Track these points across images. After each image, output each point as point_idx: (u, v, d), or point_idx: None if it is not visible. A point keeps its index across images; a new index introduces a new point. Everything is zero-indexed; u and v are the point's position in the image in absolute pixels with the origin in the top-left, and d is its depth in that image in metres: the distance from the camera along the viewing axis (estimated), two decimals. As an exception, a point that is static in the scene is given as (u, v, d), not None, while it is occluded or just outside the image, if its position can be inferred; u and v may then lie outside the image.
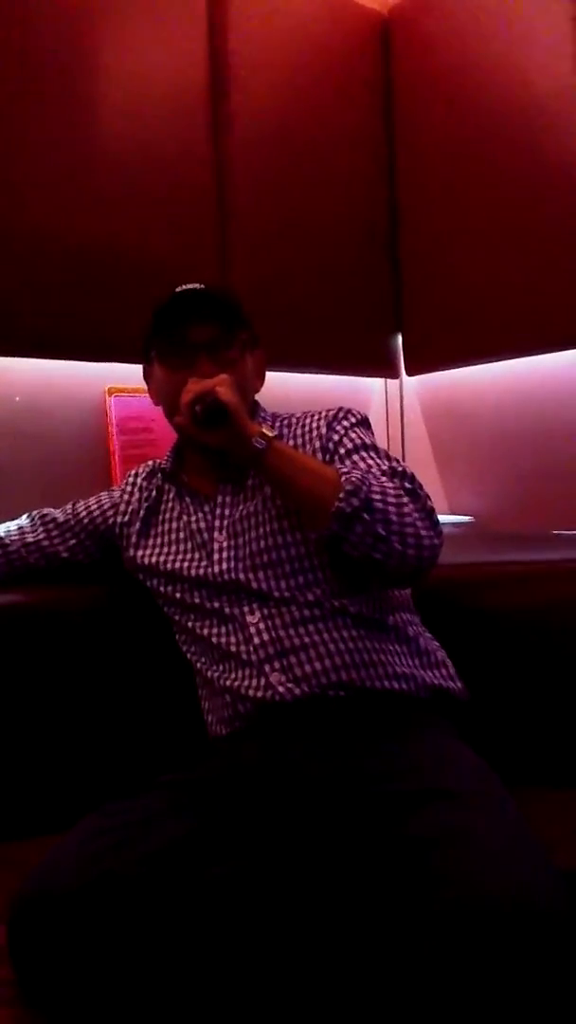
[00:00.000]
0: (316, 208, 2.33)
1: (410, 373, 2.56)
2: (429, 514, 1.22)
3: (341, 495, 1.17)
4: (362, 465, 1.28)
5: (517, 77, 2.12)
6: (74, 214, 1.91)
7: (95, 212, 1.94)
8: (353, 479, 1.19)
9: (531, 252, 2.11)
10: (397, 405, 2.68)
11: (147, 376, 1.46)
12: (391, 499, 1.19)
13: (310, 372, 2.42)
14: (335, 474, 1.22)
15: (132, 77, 2.01)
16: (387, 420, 2.66)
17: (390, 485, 1.21)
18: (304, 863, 1.01)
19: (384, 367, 2.58)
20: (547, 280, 2.08)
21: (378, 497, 1.18)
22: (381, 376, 2.64)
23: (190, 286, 1.35)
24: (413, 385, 2.65)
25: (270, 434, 1.23)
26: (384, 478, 1.23)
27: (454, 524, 2.35)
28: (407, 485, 1.23)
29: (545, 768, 1.40)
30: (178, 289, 1.35)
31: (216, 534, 1.36)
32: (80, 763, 1.40)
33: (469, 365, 2.41)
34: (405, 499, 1.20)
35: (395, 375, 2.61)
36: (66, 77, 1.90)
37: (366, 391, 2.66)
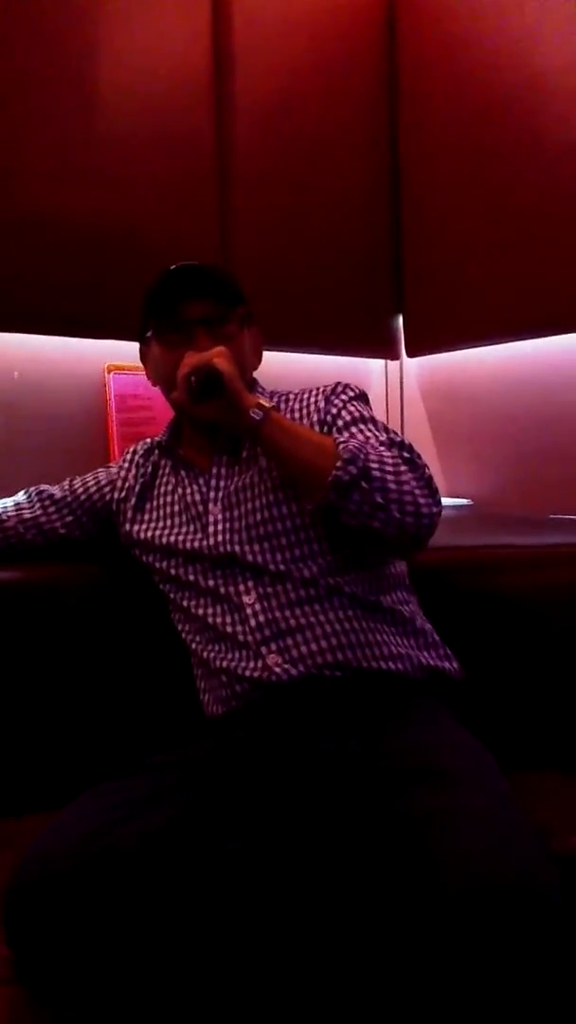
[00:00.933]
0: (318, 189, 2.32)
1: (410, 354, 2.56)
2: (428, 483, 1.22)
3: (339, 463, 1.17)
4: (359, 436, 1.28)
5: (522, 59, 2.10)
6: (75, 193, 1.90)
7: (96, 191, 1.93)
8: (351, 447, 1.19)
9: (533, 235, 2.10)
10: (397, 386, 2.67)
11: (144, 356, 1.45)
12: (389, 467, 1.19)
13: (310, 352, 2.41)
14: (332, 443, 1.22)
15: (135, 57, 2.00)
16: (387, 401, 2.66)
17: (388, 454, 1.21)
18: (302, 841, 1.02)
19: (384, 348, 2.57)
20: (548, 263, 2.07)
21: (375, 466, 1.18)
22: (381, 357, 2.63)
23: (185, 263, 1.35)
24: (413, 367, 2.64)
25: (267, 405, 1.23)
26: (382, 448, 1.23)
27: (452, 507, 2.35)
28: (405, 454, 1.23)
29: (541, 751, 1.41)
30: (172, 267, 1.35)
31: (211, 506, 1.35)
32: (75, 741, 1.41)
33: (470, 347, 2.40)
34: (403, 467, 1.20)
35: (395, 356, 2.60)
36: (69, 57, 1.89)
37: (366, 372, 2.65)
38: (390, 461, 1.20)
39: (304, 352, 2.39)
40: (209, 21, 2.12)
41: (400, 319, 2.54)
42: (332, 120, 2.34)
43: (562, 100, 2.01)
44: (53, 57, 1.87)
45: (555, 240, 2.05)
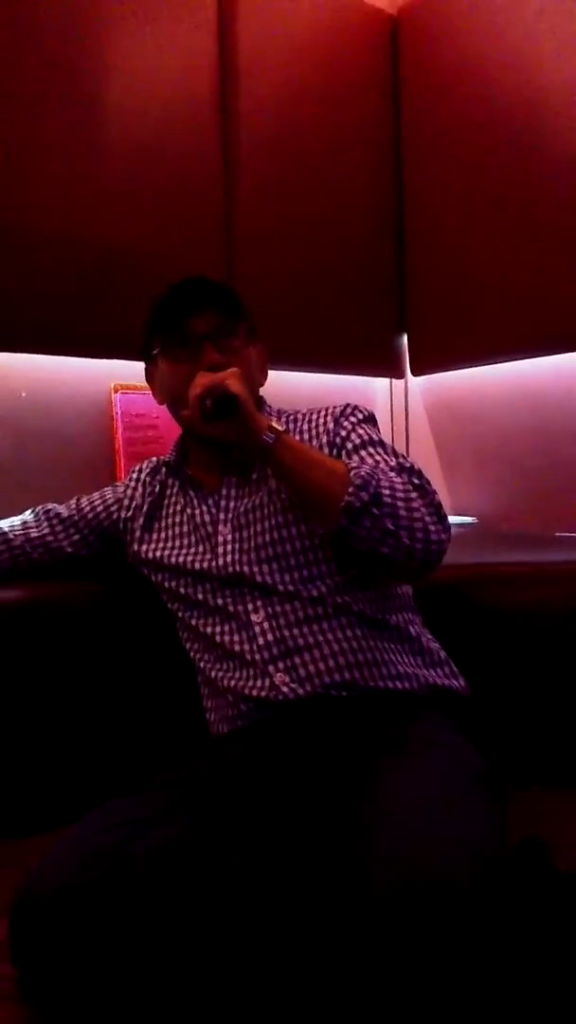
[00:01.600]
0: (323, 207, 2.33)
1: (415, 373, 2.56)
2: (437, 509, 1.23)
3: (351, 489, 1.18)
4: (370, 461, 1.28)
5: (525, 77, 2.11)
6: (81, 211, 1.91)
7: (102, 209, 1.94)
8: (362, 473, 1.19)
9: (538, 252, 2.11)
10: (402, 405, 2.68)
11: (149, 375, 1.46)
12: (400, 494, 1.20)
13: (315, 371, 2.42)
14: (344, 468, 1.22)
15: (141, 75, 2.01)
16: (392, 420, 2.66)
17: (398, 480, 1.22)
18: (307, 859, 1.01)
19: (389, 367, 2.57)
20: (554, 281, 2.08)
21: (387, 492, 1.19)
22: (386, 376, 2.64)
23: (187, 277, 1.36)
24: (418, 385, 2.65)
25: (279, 428, 1.23)
26: (392, 473, 1.23)
27: (457, 525, 2.34)
28: (415, 480, 1.24)
29: (547, 767, 1.40)
30: (176, 283, 1.36)
31: (220, 527, 1.36)
32: (81, 760, 1.41)
33: (475, 366, 2.41)
34: (413, 494, 1.21)
35: (400, 375, 2.60)
36: (75, 75, 1.90)
37: (371, 391, 2.66)
38: (400, 487, 1.21)
39: (309, 371, 2.39)
40: (215, 39, 2.13)
41: (405, 338, 2.55)
42: (337, 138, 2.36)
43: (566, 117, 2.02)
44: (60, 76, 1.88)
45: (560, 258, 2.06)
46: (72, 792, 1.26)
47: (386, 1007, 0.83)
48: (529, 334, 2.17)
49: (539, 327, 2.14)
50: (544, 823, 1.04)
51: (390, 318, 2.52)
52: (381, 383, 2.67)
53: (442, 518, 1.23)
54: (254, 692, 1.25)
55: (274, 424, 1.23)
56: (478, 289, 2.27)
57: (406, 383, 2.66)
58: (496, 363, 2.34)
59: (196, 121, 2.11)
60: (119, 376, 2.07)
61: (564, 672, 1.46)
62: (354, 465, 1.23)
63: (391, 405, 2.68)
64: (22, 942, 0.97)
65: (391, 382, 2.68)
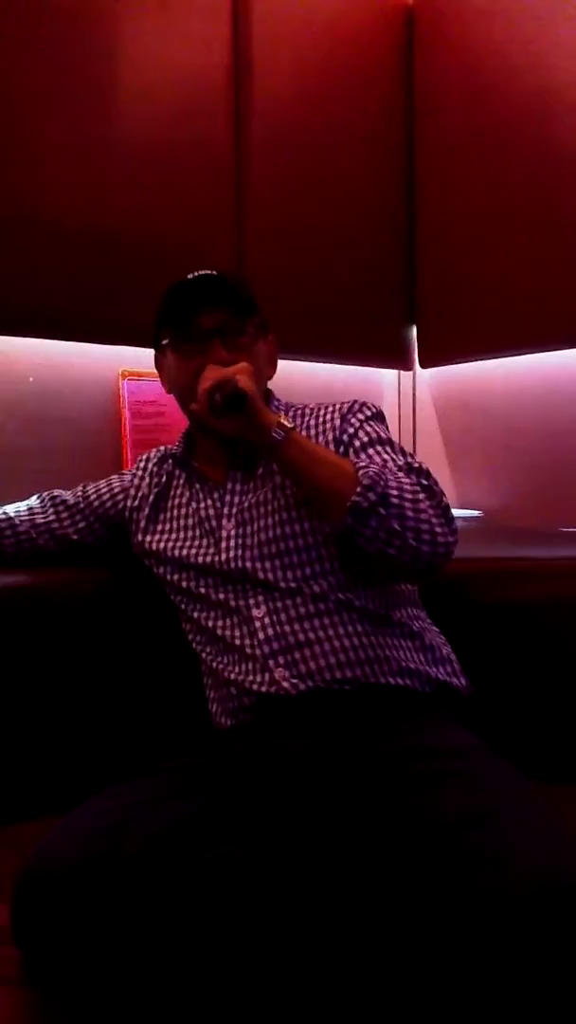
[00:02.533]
0: (334, 198, 2.33)
1: (424, 365, 2.56)
2: (445, 511, 1.23)
3: (358, 489, 1.17)
4: (378, 460, 1.27)
5: (539, 70, 2.10)
6: (91, 198, 1.91)
7: (112, 197, 1.94)
8: (371, 473, 1.19)
9: (548, 247, 2.10)
10: (410, 397, 2.67)
11: (159, 364, 1.45)
12: (407, 495, 1.19)
13: (324, 362, 2.42)
14: (352, 467, 1.22)
15: (154, 64, 2.01)
16: (399, 412, 2.66)
17: (407, 481, 1.21)
18: (308, 847, 1.02)
19: (398, 359, 2.57)
20: (563, 275, 2.07)
21: (395, 492, 1.18)
22: (394, 368, 2.63)
23: (201, 272, 1.35)
24: (426, 378, 2.65)
25: (288, 424, 1.23)
26: (401, 474, 1.23)
27: (463, 519, 2.34)
28: (423, 481, 1.23)
29: (552, 765, 1.40)
30: (189, 276, 1.35)
31: (224, 521, 1.35)
32: (83, 747, 1.41)
33: (483, 359, 2.40)
34: (421, 495, 1.21)
35: (409, 367, 2.60)
36: (87, 64, 1.90)
37: (379, 382, 2.65)
38: (408, 488, 1.20)
39: (318, 361, 2.39)
40: (229, 29, 2.12)
41: (414, 329, 2.55)
42: (349, 130, 2.35)
43: (578, 113, 2.02)
44: (72, 65, 1.88)
45: (570, 253, 2.05)
46: (73, 779, 1.27)
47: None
48: (538, 328, 2.17)
49: (548, 321, 2.13)
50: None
51: (399, 310, 2.52)
52: (389, 375, 2.67)
53: (449, 520, 1.23)
54: (255, 687, 1.25)
55: (283, 421, 1.23)
56: (488, 282, 2.27)
57: (414, 375, 2.65)
58: (505, 357, 2.34)
59: (208, 111, 2.10)
60: (127, 362, 2.07)
61: (569, 667, 1.45)
62: (362, 464, 1.23)
63: (399, 397, 2.68)
64: (24, 924, 0.97)
65: (399, 374, 2.67)
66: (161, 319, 1.39)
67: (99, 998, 0.95)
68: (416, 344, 2.55)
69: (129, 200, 1.96)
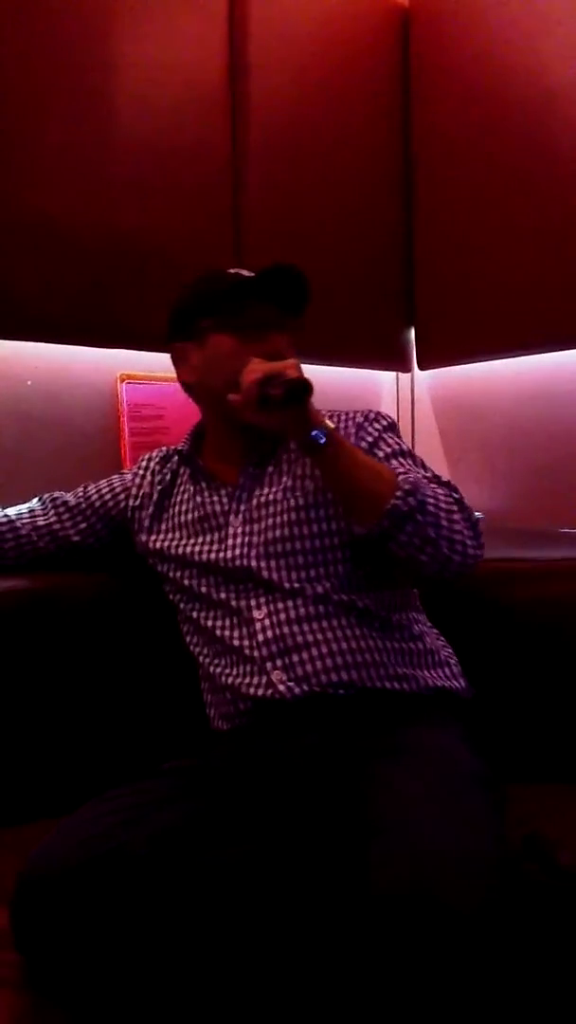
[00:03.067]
0: (331, 200, 2.33)
1: (422, 367, 2.56)
2: (475, 526, 1.25)
3: (399, 493, 1.18)
4: (401, 470, 1.26)
5: (536, 69, 2.10)
6: (88, 202, 1.91)
7: (110, 200, 1.94)
8: (411, 479, 1.20)
9: (546, 248, 2.10)
10: (408, 399, 2.67)
11: (185, 352, 1.39)
12: (443, 505, 1.21)
13: (322, 364, 2.41)
14: (391, 473, 1.23)
15: (151, 66, 2.01)
16: (398, 414, 2.66)
17: (441, 492, 1.23)
18: (305, 849, 1.02)
19: (396, 360, 2.57)
20: (561, 276, 2.07)
21: (431, 501, 1.20)
22: (393, 369, 2.63)
23: (277, 264, 1.35)
24: (425, 379, 2.64)
25: (331, 424, 1.21)
26: (434, 485, 1.24)
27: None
28: (455, 495, 1.25)
29: (552, 765, 1.40)
30: (271, 265, 1.34)
31: (232, 518, 1.35)
32: (83, 750, 1.41)
33: (482, 361, 2.40)
34: (455, 508, 1.22)
35: (407, 369, 2.60)
36: (85, 66, 1.90)
37: (377, 384, 2.65)
38: (444, 499, 1.22)
39: (316, 363, 2.38)
40: (225, 30, 2.12)
41: (412, 331, 2.54)
42: (346, 131, 2.35)
43: (576, 114, 2.02)
44: (69, 66, 1.88)
45: (568, 254, 2.05)
46: (72, 782, 1.27)
47: (378, 1005, 0.83)
48: (537, 329, 2.17)
49: (547, 322, 2.13)
50: (547, 819, 1.03)
51: (398, 312, 2.52)
52: (387, 377, 2.67)
53: (478, 535, 1.25)
54: (251, 690, 1.25)
55: (327, 421, 1.22)
56: (486, 284, 2.27)
57: (412, 377, 2.65)
58: (503, 358, 2.34)
59: (205, 114, 2.10)
60: (125, 366, 2.07)
61: (570, 667, 1.45)
62: (402, 471, 1.23)
63: (397, 399, 2.68)
64: (23, 926, 0.97)
65: (397, 376, 2.67)
66: (209, 303, 1.36)
67: (99, 1001, 0.94)
68: (414, 346, 2.55)
69: (127, 203, 1.96)
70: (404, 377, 2.66)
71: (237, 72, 2.15)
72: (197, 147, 2.08)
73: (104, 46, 1.94)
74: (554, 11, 2.05)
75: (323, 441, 1.20)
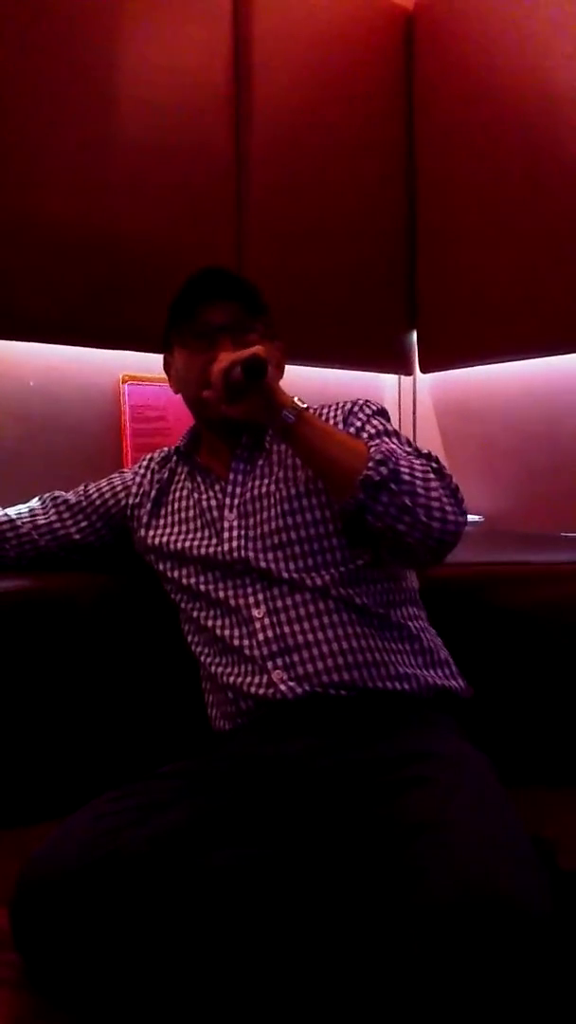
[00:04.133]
0: (334, 203, 2.33)
1: (424, 370, 2.56)
2: (454, 492, 1.23)
3: (370, 463, 1.18)
4: (385, 446, 1.28)
5: (540, 74, 2.11)
6: (93, 203, 1.91)
7: (114, 201, 1.95)
8: (383, 449, 1.20)
9: (549, 252, 2.10)
10: (410, 402, 2.68)
11: (167, 365, 1.46)
12: (418, 473, 1.20)
13: (325, 367, 2.42)
14: (364, 446, 1.23)
15: (156, 69, 2.01)
16: (399, 417, 2.66)
17: (417, 461, 1.22)
18: (306, 851, 1.02)
19: (398, 364, 2.57)
20: (563, 281, 2.08)
21: (406, 469, 1.19)
22: (395, 372, 2.64)
23: (209, 268, 1.36)
24: (427, 382, 2.65)
25: (300, 405, 1.24)
26: (411, 456, 1.24)
27: (464, 523, 2.34)
28: (433, 464, 1.24)
29: (550, 767, 1.40)
30: (197, 273, 1.36)
31: (227, 512, 1.36)
32: (84, 752, 1.41)
33: (483, 364, 2.41)
34: (432, 475, 1.21)
35: (409, 372, 2.60)
36: (90, 69, 1.91)
37: (380, 387, 2.65)
38: (419, 468, 1.21)
39: (318, 366, 2.39)
40: (230, 34, 2.13)
41: (414, 335, 2.55)
42: (349, 134, 2.36)
43: (579, 120, 2.02)
44: (74, 69, 1.88)
45: (570, 257, 2.06)
46: (73, 783, 1.27)
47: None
48: (539, 333, 2.17)
49: (549, 327, 2.14)
50: (547, 821, 1.03)
51: (400, 315, 2.52)
52: (390, 380, 2.67)
53: (459, 501, 1.23)
54: (253, 689, 1.25)
55: (295, 401, 1.24)
56: (488, 287, 2.27)
57: (415, 380, 2.66)
58: (505, 362, 2.34)
59: (209, 116, 2.11)
60: (128, 367, 2.07)
61: (569, 671, 1.46)
62: (374, 444, 1.24)
63: (399, 402, 2.68)
64: (23, 928, 0.97)
65: (400, 379, 2.68)
66: (170, 317, 1.39)
67: (98, 1002, 0.94)
68: (417, 349, 2.55)
69: (131, 205, 1.97)
70: (406, 380, 2.67)
71: (241, 75, 2.15)
72: (201, 149, 2.08)
73: (109, 49, 1.94)
74: (557, 16, 2.06)
75: (292, 420, 1.22)
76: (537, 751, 1.42)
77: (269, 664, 1.25)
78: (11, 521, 1.47)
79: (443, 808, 0.96)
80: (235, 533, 1.33)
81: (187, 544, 1.37)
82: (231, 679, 1.28)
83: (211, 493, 1.39)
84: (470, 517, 2.36)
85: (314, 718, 1.21)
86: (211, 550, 1.34)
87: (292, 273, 2.23)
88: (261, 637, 1.26)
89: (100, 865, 0.95)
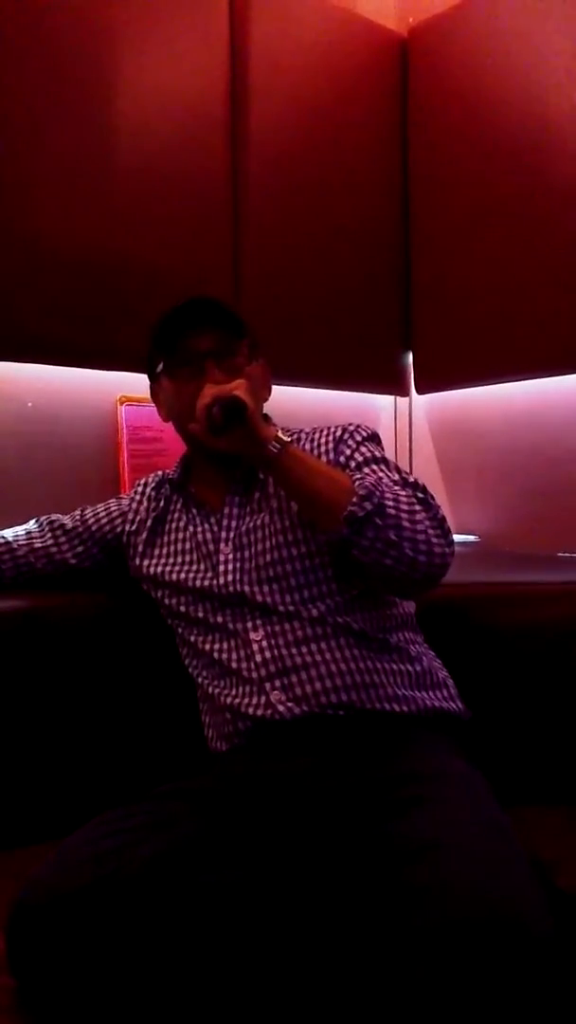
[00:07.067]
0: (330, 226, 2.35)
1: (420, 391, 2.57)
2: (440, 523, 1.23)
3: (354, 499, 1.18)
4: (371, 477, 1.28)
5: (533, 100, 2.13)
6: (90, 226, 1.92)
7: (111, 224, 1.95)
8: (367, 484, 1.20)
9: (543, 274, 2.12)
10: (406, 423, 2.68)
11: (154, 394, 1.47)
12: (403, 506, 1.20)
13: (320, 388, 2.42)
14: (348, 479, 1.23)
15: (151, 94, 2.03)
16: (395, 438, 2.67)
17: (403, 493, 1.22)
18: (302, 872, 1.01)
19: (394, 384, 2.58)
20: (559, 302, 2.09)
21: (391, 503, 1.19)
22: (391, 393, 2.64)
23: (190, 297, 1.37)
24: (422, 403, 2.65)
25: (285, 439, 1.24)
26: (397, 487, 1.24)
27: (460, 543, 2.34)
28: (419, 494, 1.24)
29: (548, 786, 1.40)
30: (177, 305, 1.37)
31: (222, 545, 1.36)
32: (80, 772, 1.40)
33: (479, 385, 2.41)
34: (417, 507, 1.21)
35: (405, 393, 2.61)
36: (85, 93, 1.91)
37: (375, 408, 2.66)
38: (404, 500, 1.21)
39: (314, 387, 2.40)
40: (226, 59, 2.14)
41: (410, 355, 2.56)
42: (345, 158, 2.37)
43: (572, 143, 2.04)
44: (70, 93, 1.89)
45: (564, 280, 2.07)
46: (69, 805, 1.26)
47: None
48: (534, 355, 2.18)
49: (544, 348, 2.15)
50: (544, 841, 1.03)
51: (395, 336, 2.53)
52: (385, 400, 2.68)
53: (445, 532, 1.23)
54: (251, 710, 1.25)
55: (280, 435, 1.24)
56: (483, 309, 2.29)
57: (410, 401, 2.66)
58: (501, 383, 2.35)
59: (205, 140, 2.12)
60: (125, 388, 2.07)
61: (565, 691, 1.46)
62: (358, 477, 1.24)
63: (395, 423, 2.69)
64: (19, 951, 0.97)
65: (395, 400, 2.68)
66: (154, 347, 1.40)
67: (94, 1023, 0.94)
68: (412, 370, 2.56)
69: (127, 228, 1.98)
70: (402, 401, 2.67)
71: (238, 99, 2.17)
72: (197, 172, 2.09)
73: (105, 72, 1.96)
74: (549, 43, 2.09)
75: (276, 452, 1.22)
76: (534, 771, 1.41)
77: (267, 685, 1.25)
78: (8, 544, 1.47)
79: (442, 828, 0.96)
80: (231, 567, 1.33)
81: (183, 576, 1.37)
82: (229, 700, 1.28)
83: (206, 526, 1.39)
84: (466, 537, 2.40)
85: (312, 739, 1.21)
86: (207, 583, 1.34)
87: (288, 295, 2.24)
88: (259, 659, 1.27)
89: (98, 888, 0.95)
